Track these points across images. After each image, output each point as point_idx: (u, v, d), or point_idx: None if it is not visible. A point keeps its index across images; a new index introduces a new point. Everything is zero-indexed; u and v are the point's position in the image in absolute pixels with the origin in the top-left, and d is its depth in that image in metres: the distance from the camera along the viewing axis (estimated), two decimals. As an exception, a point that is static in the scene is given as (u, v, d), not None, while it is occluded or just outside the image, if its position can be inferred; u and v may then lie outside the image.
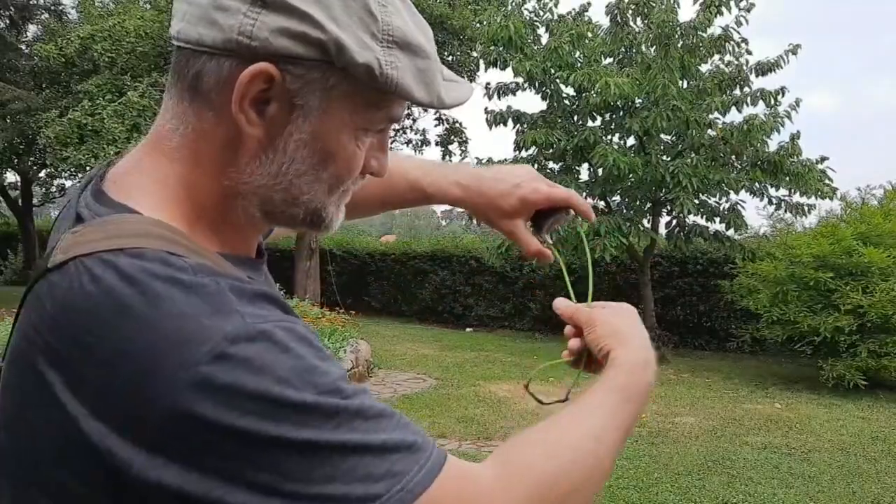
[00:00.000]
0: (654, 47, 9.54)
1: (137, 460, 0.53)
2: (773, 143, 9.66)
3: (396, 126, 17.13)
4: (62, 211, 0.73)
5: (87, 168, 11.28)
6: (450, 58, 14.02)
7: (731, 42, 9.72)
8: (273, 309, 0.60)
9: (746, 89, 9.84)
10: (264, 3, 0.61)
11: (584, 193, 10.25)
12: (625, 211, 10.19)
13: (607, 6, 10.15)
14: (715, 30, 9.62)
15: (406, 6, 0.68)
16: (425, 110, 15.67)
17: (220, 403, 0.53)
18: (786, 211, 10.12)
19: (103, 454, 0.54)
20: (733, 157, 9.84)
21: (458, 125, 15.85)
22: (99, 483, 0.55)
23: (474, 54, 12.89)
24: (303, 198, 0.69)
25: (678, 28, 9.34)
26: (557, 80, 10.12)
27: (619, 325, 0.88)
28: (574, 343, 0.93)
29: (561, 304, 0.93)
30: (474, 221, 11.15)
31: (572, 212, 1.00)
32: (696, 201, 9.73)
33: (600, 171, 9.82)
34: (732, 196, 10.09)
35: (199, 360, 0.53)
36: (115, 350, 0.54)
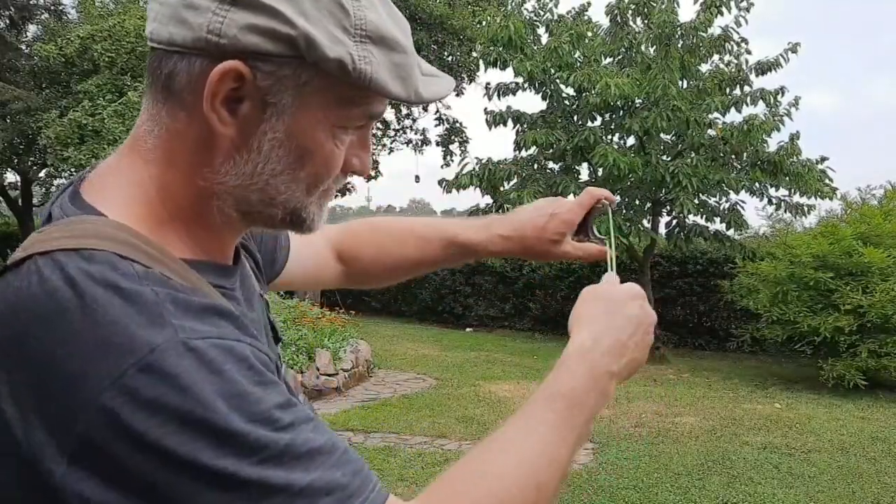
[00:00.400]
0: (655, 47, 9.54)
1: (60, 469, 0.52)
2: (773, 143, 9.68)
3: (380, 124, 16.96)
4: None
5: (88, 168, 11.30)
6: (449, 58, 14.02)
7: (731, 42, 9.72)
8: (221, 325, 0.58)
9: (747, 88, 9.84)
10: (233, 0, 0.60)
11: (585, 194, 10.24)
12: (625, 211, 10.19)
13: (607, 6, 10.15)
14: (715, 30, 9.63)
15: (382, 0, 0.66)
16: (425, 108, 15.68)
17: (141, 418, 0.51)
18: (785, 211, 10.13)
19: (32, 459, 0.53)
20: (733, 157, 9.84)
21: (458, 125, 15.85)
22: (31, 487, 0.54)
23: (474, 54, 12.89)
24: (280, 198, 0.67)
25: (678, 28, 9.34)
26: (557, 81, 10.12)
27: (586, 312, 0.83)
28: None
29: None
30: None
31: (602, 202, 1.05)
32: (696, 201, 9.74)
33: (600, 171, 9.82)
34: (732, 196, 10.10)
35: (125, 370, 0.52)
36: (48, 353, 0.53)
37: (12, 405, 0.54)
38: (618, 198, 10.58)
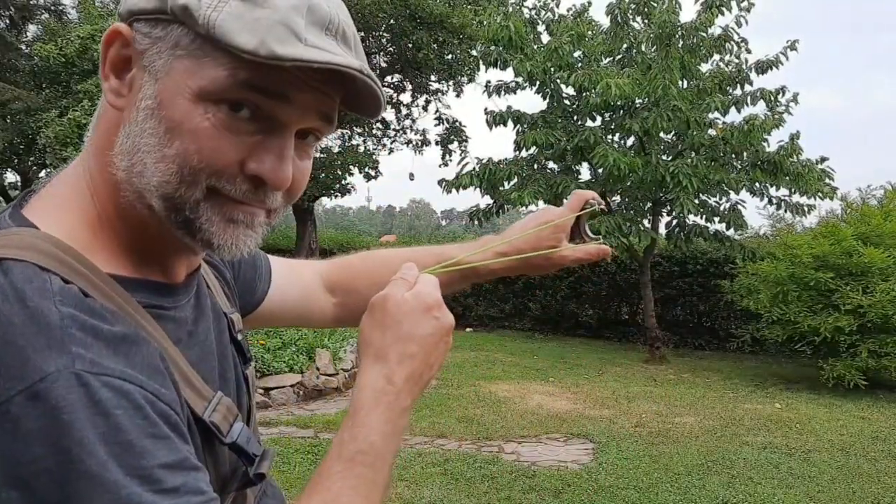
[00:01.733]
0: (655, 47, 9.54)
1: None
2: (773, 143, 9.68)
3: (380, 124, 16.88)
4: None
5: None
6: (449, 56, 14.01)
7: (732, 42, 9.72)
8: (131, 358, 0.54)
9: (747, 87, 9.84)
10: None
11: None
12: (625, 211, 10.19)
13: (608, 6, 10.15)
14: (715, 29, 9.63)
15: None
16: (425, 109, 15.67)
17: (16, 449, 0.48)
18: (786, 211, 10.13)
19: None
20: (733, 156, 9.84)
21: (458, 125, 15.85)
22: None
23: (474, 54, 12.88)
24: (153, 181, 0.60)
25: (679, 28, 9.34)
26: (557, 80, 10.12)
27: (375, 338, 0.73)
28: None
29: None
30: (475, 222, 11.17)
31: (592, 204, 1.07)
32: (697, 201, 9.74)
33: (600, 171, 9.81)
34: (732, 196, 10.10)
35: (11, 396, 0.49)
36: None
37: None
38: (616, 198, 10.59)
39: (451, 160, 15.38)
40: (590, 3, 10.33)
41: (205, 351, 0.70)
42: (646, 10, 9.89)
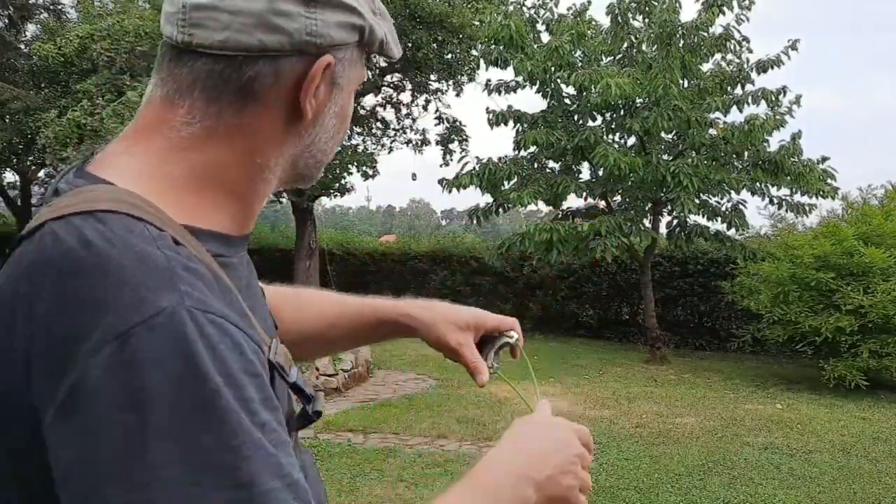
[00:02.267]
0: (655, 47, 9.52)
1: (48, 418, 0.54)
2: (774, 143, 9.66)
3: (380, 124, 16.78)
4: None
5: (87, 168, 11.28)
6: (449, 56, 13.98)
7: (733, 41, 9.70)
8: (226, 301, 0.60)
9: (748, 87, 9.82)
10: (315, 2, 0.67)
11: (585, 193, 10.25)
12: (625, 211, 10.17)
13: (608, 5, 10.13)
14: (716, 28, 9.61)
15: None
16: (425, 108, 15.69)
17: (135, 374, 0.53)
18: (787, 210, 10.12)
19: (29, 408, 0.55)
20: (734, 156, 9.83)
21: (458, 124, 15.83)
22: (32, 441, 0.56)
23: (474, 53, 12.86)
24: (325, 159, 0.78)
25: (679, 28, 9.32)
26: (558, 80, 10.11)
27: (517, 428, 0.86)
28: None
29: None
30: (474, 221, 11.16)
31: (515, 336, 1.06)
32: (697, 201, 9.72)
33: (601, 170, 9.80)
34: (733, 196, 10.08)
35: (131, 328, 0.54)
36: (59, 309, 0.56)
37: (22, 362, 0.56)
38: (617, 197, 10.57)
39: (451, 160, 15.36)
40: (589, 3, 10.31)
41: (257, 303, 0.76)
42: (646, 9, 9.88)
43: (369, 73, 12.07)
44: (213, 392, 0.54)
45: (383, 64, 14.72)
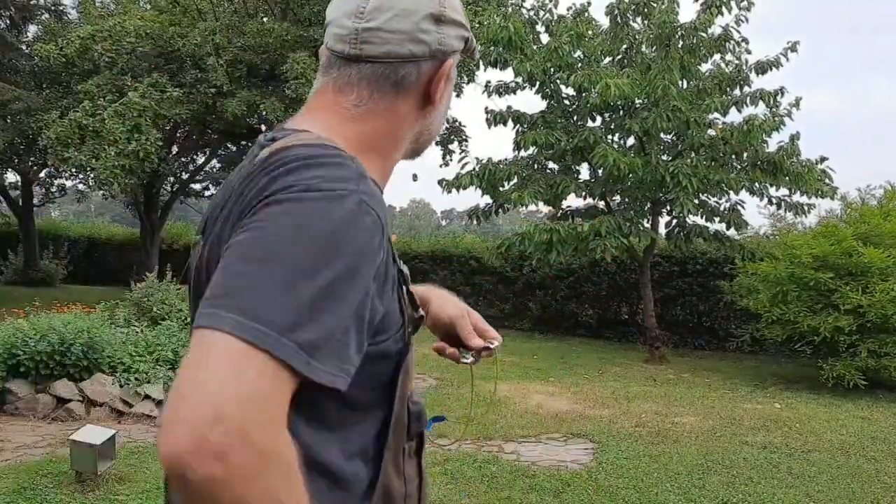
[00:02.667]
0: (655, 47, 9.54)
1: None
2: (773, 144, 9.68)
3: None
4: (235, 177, 0.94)
5: (88, 168, 11.26)
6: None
7: (732, 41, 9.72)
8: (382, 210, 0.83)
9: (747, 89, 9.84)
10: (441, 21, 0.96)
11: (585, 193, 10.27)
12: (625, 211, 10.19)
13: (607, 6, 10.15)
14: (715, 29, 9.63)
15: None
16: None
17: (318, 220, 0.76)
18: (786, 210, 10.14)
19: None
20: (733, 157, 9.85)
21: (457, 124, 15.84)
22: None
23: (474, 54, 12.88)
24: (436, 135, 1.06)
25: (678, 28, 9.34)
26: (557, 80, 10.12)
27: None
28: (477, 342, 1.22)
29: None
30: (474, 221, 11.18)
31: (493, 344, 1.26)
32: (696, 201, 9.74)
33: (600, 171, 9.82)
34: (732, 196, 10.10)
35: (330, 193, 0.78)
36: (290, 181, 0.79)
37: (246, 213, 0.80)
38: (616, 198, 10.59)
39: (450, 160, 15.36)
40: (589, 3, 10.33)
41: None
42: (645, 10, 9.89)
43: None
44: (346, 257, 0.75)
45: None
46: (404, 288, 0.92)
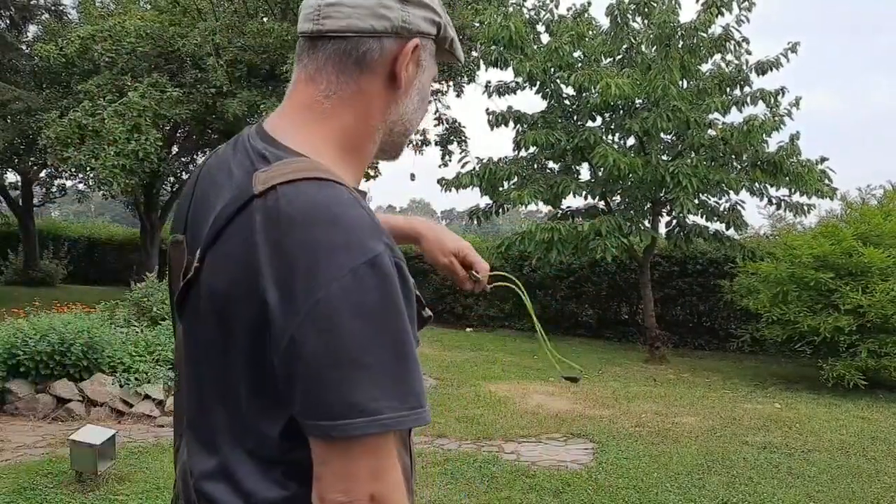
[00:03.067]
0: (655, 48, 9.54)
1: (295, 321, 0.79)
2: (773, 144, 9.68)
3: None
4: (213, 162, 1.00)
5: (88, 168, 11.26)
6: (449, 57, 14.00)
7: (732, 41, 9.72)
8: (396, 246, 0.86)
9: (747, 89, 9.84)
10: (408, 1, 0.95)
11: (585, 193, 10.27)
12: (625, 211, 10.20)
13: (608, 6, 10.15)
14: (715, 29, 9.63)
15: None
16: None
17: (363, 295, 0.79)
18: (786, 211, 10.14)
19: (265, 321, 0.81)
20: (733, 157, 9.85)
21: (458, 125, 15.84)
22: (262, 339, 0.82)
23: (474, 54, 12.87)
24: (410, 128, 1.03)
25: (679, 28, 9.34)
26: (558, 80, 10.12)
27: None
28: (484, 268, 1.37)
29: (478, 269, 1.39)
30: (475, 221, 11.18)
31: (476, 277, 1.40)
32: (696, 201, 9.74)
33: (600, 171, 9.82)
34: (732, 196, 10.10)
35: (360, 262, 0.80)
36: (303, 247, 0.80)
37: (273, 286, 0.80)
38: (616, 198, 10.58)
39: (451, 160, 15.37)
40: (589, 4, 10.34)
41: None
42: (645, 10, 9.89)
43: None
44: (398, 309, 0.82)
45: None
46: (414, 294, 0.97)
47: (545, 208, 11.36)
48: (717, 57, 9.94)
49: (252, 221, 0.83)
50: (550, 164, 10.80)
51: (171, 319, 1.04)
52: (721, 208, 10.19)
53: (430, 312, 1.01)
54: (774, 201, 10.11)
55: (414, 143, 16.44)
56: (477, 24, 11.70)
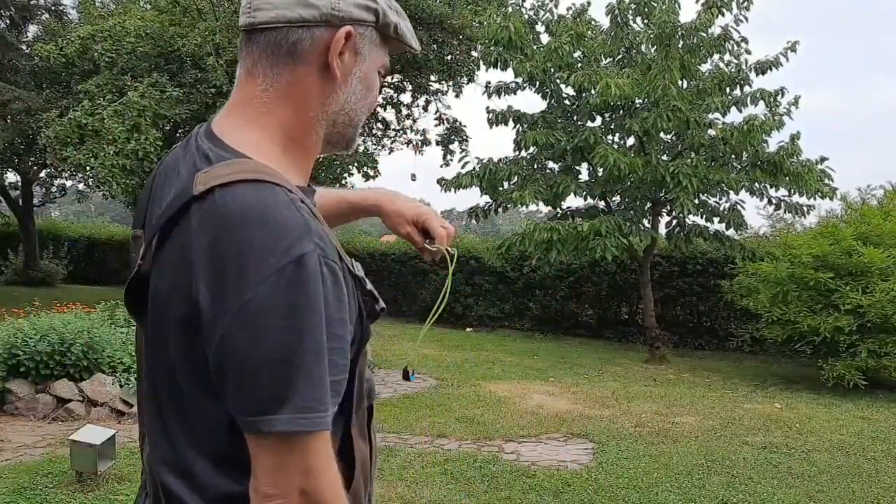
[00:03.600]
0: (655, 48, 9.54)
1: (225, 321, 0.81)
2: (773, 144, 9.68)
3: (381, 124, 16.91)
4: (169, 160, 1.01)
5: (88, 168, 11.26)
6: (449, 57, 14.00)
7: (731, 41, 9.72)
8: (330, 245, 0.87)
9: (747, 88, 9.84)
10: None
11: (585, 193, 10.27)
12: (625, 211, 10.20)
13: (607, 6, 10.14)
14: (715, 29, 9.63)
15: None
16: (425, 109, 15.75)
17: (288, 294, 0.81)
18: (785, 211, 10.14)
19: (207, 321, 0.82)
20: (733, 157, 9.85)
21: (458, 125, 15.85)
22: (195, 339, 0.85)
23: (474, 54, 12.88)
24: (355, 119, 1.02)
25: (679, 29, 9.34)
26: (557, 80, 10.12)
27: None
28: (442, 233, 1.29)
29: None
30: (474, 221, 11.18)
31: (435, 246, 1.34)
32: (696, 201, 9.74)
33: (600, 171, 9.81)
34: (732, 196, 10.10)
35: (287, 262, 0.81)
36: (234, 247, 0.81)
37: (205, 287, 0.82)
38: (616, 198, 10.58)
39: (451, 160, 15.38)
40: (589, 4, 10.33)
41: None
42: (645, 10, 9.89)
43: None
44: (318, 309, 0.83)
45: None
46: (363, 287, 0.97)
47: (545, 208, 11.36)
48: (717, 57, 9.93)
49: (189, 224, 0.85)
50: (550, 164, 10.80)
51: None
52: (721, 208, 10.19)
53: (384, 305, 1.03)
54: (774, 201, 10.11)
55: (414, 143, 16.45)
56: (477, 25, 11.70)
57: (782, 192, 9.97)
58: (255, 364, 0.81)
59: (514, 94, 10.56)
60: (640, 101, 9.78)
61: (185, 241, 0.85)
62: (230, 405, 0.84)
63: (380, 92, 1.04)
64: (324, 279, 0.84)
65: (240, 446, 0.86)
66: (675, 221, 10.43)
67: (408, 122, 16.41)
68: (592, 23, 10.41)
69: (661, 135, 9.89)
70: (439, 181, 10.61)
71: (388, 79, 14.89)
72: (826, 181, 9.68)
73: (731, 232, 10.49)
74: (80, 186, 18.67)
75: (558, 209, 10.95)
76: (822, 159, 9.81)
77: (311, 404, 0.82)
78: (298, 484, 0.83)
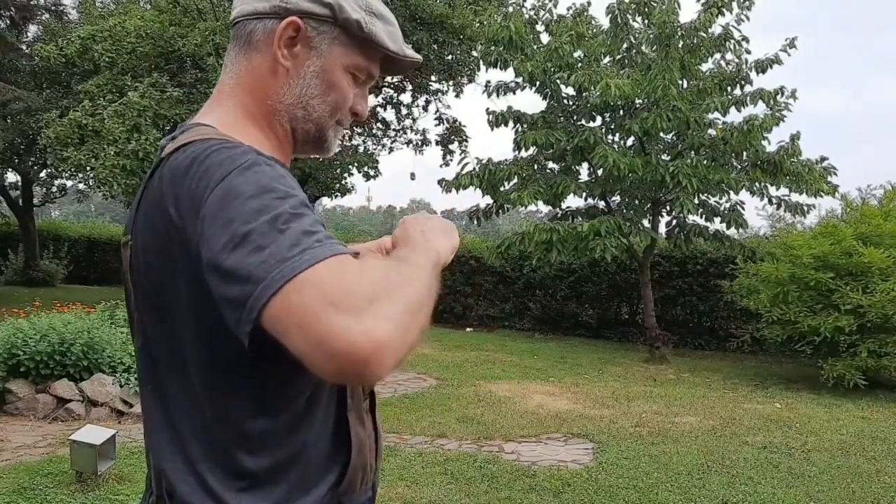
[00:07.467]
0: (655, 47, 9.54)
1: (195, 235, 0.83)
2: (774, 144, 9.68)
3: (381, 124, 16.85)
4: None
5: (88, 168, 11.26)
6: (449, 57, 14.00)
7: (732, 40, 9.72)
8: (277, 167, 0.88)
9: (747, 88, 9.84)
10: None
11: (585, 193, 10.27)
12: (625, 211, 10.19)
13: (608, 6, 10.14)
14: (715, 28, 9.63)
15: None
16: (425, 109, 15.72)
17: (239, 187, 0.83)
18: (785, 211, 10.14)
19: (188, 242, 0.85)
20: (733, 156, 9.84)
21: (458, 125, 15.85)
22: (188, 259, 0.86)
23: (474, 54, 12.88)
24: (314, 114, 1.03)
25: (679, 29, 9.34)
26: (557, 81, 10.12)
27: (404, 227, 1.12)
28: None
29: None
30: (475, 222, 11.18)
31: None
32: (696, 201, 9.74)
33: (600, 171, 9.81)
34: (732, 196, 10.10)
35: (231, 170, 0.84)
36: (195, 182, 0.86)
37: (176, 214, 0.87)
38: (616, 198, 10.58)
39: (451, 160, 15.38)
40: (589, 4, 10.33)
41: None
42: (646, 10, 9.89)
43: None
44: (280, 192, 0.83)
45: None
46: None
47: (545, 208, 11.36)
48: (717, 56, 9.93)
49: (161, 178, 0.92)
50: (550, 165, 10.79)
51: (130, 329, 1.09)
52: (721, 208, 10.19)
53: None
54: (774, 201, 10.11)
55: (414, 142, 16.46)
56: (477, 24, 11.70)
57: (783, 190, 9.98)
58: (240, 243, 0.79)
59: (514, 93, 10.57)
60: (640, 101, 9.77)
61: (158, 196, 0.90)
62: (233, 299, 0.79)
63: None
64: (277, 173, 0.87)
65: (246, 445, 0.89)
66: (675, 221, 10.43)
67: (407, 122, 16.42)
68: (592, 23, 10.40)
69: (661, 135, 9.88)
70: (439, 182, 10.61)
71: (388, 78, 14.88)
72: (828, 178, 9.68)
73: (731, 232, 10.49)
74: (81, 186, 18.67)
75: (558, 209, 10.95)
76: (822, 159, 9.81)
77: (306, 246, 0.79)
78: (323, 302, 0.74)
